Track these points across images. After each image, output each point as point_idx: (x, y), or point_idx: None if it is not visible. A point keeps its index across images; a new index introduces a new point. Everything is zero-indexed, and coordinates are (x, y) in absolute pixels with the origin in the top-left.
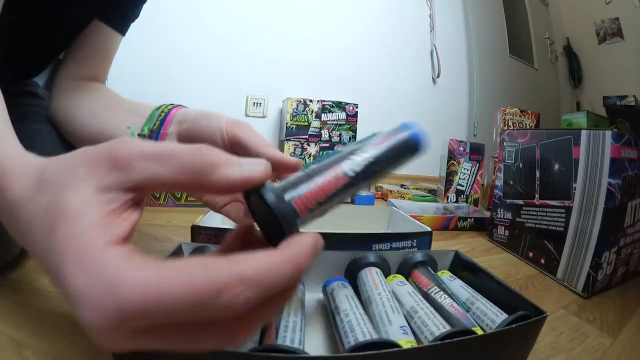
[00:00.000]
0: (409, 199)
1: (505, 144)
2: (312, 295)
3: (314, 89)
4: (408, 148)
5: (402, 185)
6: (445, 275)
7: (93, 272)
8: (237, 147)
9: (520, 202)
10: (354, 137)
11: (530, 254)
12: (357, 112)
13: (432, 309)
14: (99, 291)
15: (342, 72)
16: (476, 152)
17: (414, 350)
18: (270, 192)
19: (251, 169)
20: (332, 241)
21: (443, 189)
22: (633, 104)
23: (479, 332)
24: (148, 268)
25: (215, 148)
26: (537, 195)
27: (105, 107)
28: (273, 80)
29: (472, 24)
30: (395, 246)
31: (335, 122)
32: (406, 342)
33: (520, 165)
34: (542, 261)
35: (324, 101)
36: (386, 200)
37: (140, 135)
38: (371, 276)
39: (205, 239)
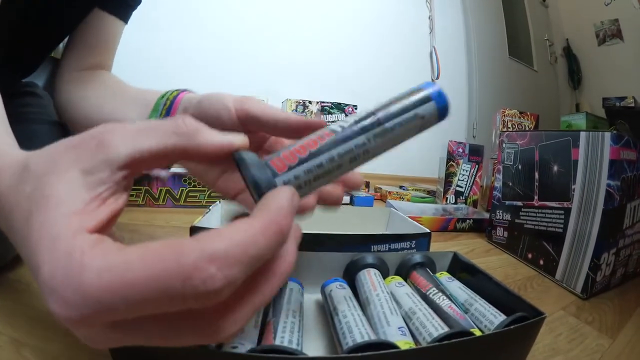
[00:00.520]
0: (407, 200)
1: (504, 145)
2: (311, 296)
3: (313, 90)
4: (423, 100)
5: (401, 187)
6: (443, 277)
7: (60, 258)
8: (250, 124)
9: (519, 203)
10: None
11: (529, 255)
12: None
13: (430, 310)
14: (62, 278)
15: (342, 74)
16: (475, 153)
17: (412, 352)
18: (245, 154)
19: (232, 136)
20: (331, 242)
21: (442, 190)
22: (632, 105)
23: (478, 333)
24: (113, 254)
25: (194, 119)
26: (536, 197)
27: (109, 97)
28: (272, 81)
29: (472, 26)
30: (394, 247)
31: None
32: (404, 343)
33: (520, 166)
34: (541, 262)
35: (323, 102)
36: (385, 202)
37: None
38: (369, 277)
39: None
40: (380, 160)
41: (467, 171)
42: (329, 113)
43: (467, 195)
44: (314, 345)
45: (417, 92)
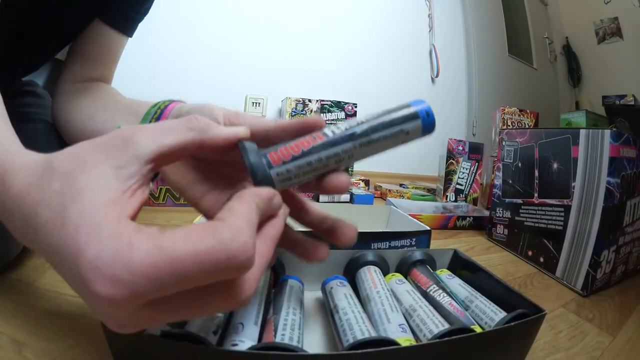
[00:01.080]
0: (408, 198)
1: (504, 143)
2: (311, 293)
3: (312, 88)
4: (408, 117)
5: (401, 185)
6: (444, 274)
7: (107, 241)
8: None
9: (519, 201)
10: None
11: (530, 253)
12: (356, 112)
13: (430, 307)
14: (110, 258)
15: (341, 72)
16: (475, 151)
17: (413, 348)
18: (247, 144)
19: (237, 128)
20: None
21: (442, 188)
22: (632, 103)
23: (478, 330)
24: (158, 236)
25: (204, 117)
26: (536, 194)
27: (102, 108)
28: (272, 80)
29: (471, 24)
30: (394, 245)
31: (335, 122)
32: (405, 340)
33: (519, 164)
34: (541, 260)
35: (323, 101)
36: (385, 200)
37: None
38: (370, 275)
39: None
40: (380, 159)
41: (467, 169)
42: (329, 111)
43: (467, 193)
44: (314, 342)
45: (406, 108)
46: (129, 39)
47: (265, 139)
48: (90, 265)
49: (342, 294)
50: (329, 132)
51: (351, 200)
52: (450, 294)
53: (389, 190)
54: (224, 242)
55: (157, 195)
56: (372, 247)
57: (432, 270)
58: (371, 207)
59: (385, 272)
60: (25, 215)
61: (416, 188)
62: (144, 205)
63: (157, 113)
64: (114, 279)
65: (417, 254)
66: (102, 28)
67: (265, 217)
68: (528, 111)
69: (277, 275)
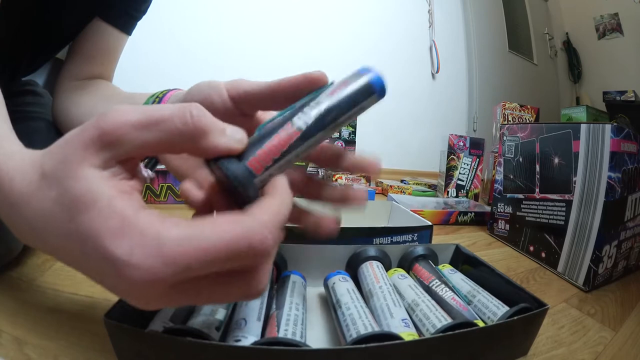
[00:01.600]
0: (409, 194)
1: (505, 138)
2: (314, 289)
3: None
4: (367, 93)
5: (402, 181)
6: (446, 269)
7: (134, 237)
8: (244, 105)
9: (521, 196)
10: (354, 132)
11: (531, 248)
12: None
13: (433, 302)
14: (144, 253)
15: (341, 68)
16: (476, 146)
17: (416, 343)
18: (226, 158)
19: (233, 138)
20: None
21: (443, 184)
22: (632, 99)
23: (481, 324)
24: (184, 225)
25: (202, 109)
26: (537, 189)
27: (100, 101)
28: (271, 77)
29: (471, 20)
30: (396, 240)
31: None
32: (408, 334)
33: (520, 159)
34: (543, 255)
35: None
36: (386, 196)
37: None
38: (372, 270)
39: None
40: (381, 155)
41: (468, 164)
42: None
43: (468, 188)
44: (317, 337)
45: (362, 81)
46: (129, 37)
47: (271, 102)
48: (123, 263)
49: (345, 289)
50: (302, 123)
51: None
52: (452, 289)
53: (390, 186)
54: (247, 232)
55: (158, 193)
56: (374, 243)
57: (434, 265)
58: (373, 203)
59: (387, 267)
60: (28, 221)
61: (417, 184)
62: (146, 203)
63: (156, 101)
64: (150, 270)
65: (419, 249)
66: (101, 26)
67: None
68: (529, 106)
69: (279, 271)
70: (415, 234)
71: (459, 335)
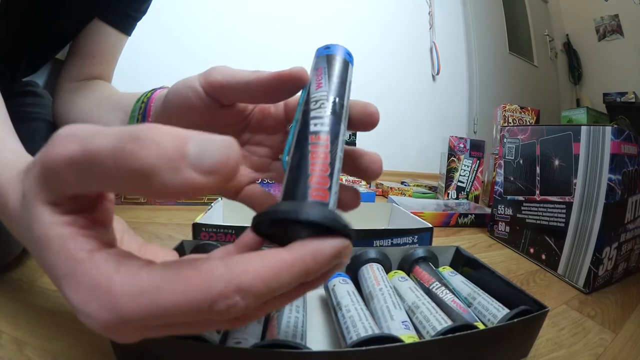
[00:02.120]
0: (409, 196)
1: (505, 140)
2: (314, 291)
3: None
4: (347, 68)
5: (402, 182)
6: (446, 271)
7: (86, 288)
8: (221, 97)
9: (521, 198)
10: (354, 134)
11: (531, 250)
12: None
13: (433, 304)
14: (97, 307)
15: None
16: (476, 148)
17: (416, 345)
18: (282, 208)
19: (200, 167)
20: None
21: (444, 185)
22: (633, 100)
23: (481, 326)
24: (141, 276)
25: (153, 128)
26: (537, 191)
27: (96, 105)
28: None
29: (472, 21)
30: (396, 242)
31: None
32: (408, 337)
33: (521, 161)
34: (543, 257)
35: None
36: (387, 198)
37: None
38: (372, 272)
39: (206, 237)
40: (381, 156)
41: (468, 166)
42: None
43: (468, 190)
44: (317, 340)
45: (338, 62)
46: (128, 38)
47: (247, 96)
48: (76, 310)
49: (345, 291)
50: (321, 127)
51: None
52: (452, 291)
53: (391, 188)
54: (210, 294)
55: None
56: (374, 245)
57: (434, 268)
58: (373, 205)
59: (387, 270)
60: (23, 237)
61: (417, 186)
62: (146, 203)
63: (142, 108)
64: (105, 323)
65: (420, 251)
66: (101, 27)
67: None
68: (529, 108)
69: None
70: (416, 236)
71: (459, 337)
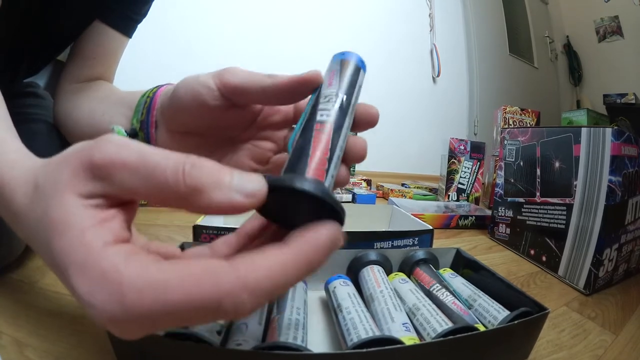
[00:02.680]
0: (410, 197)
1: (505, 142)
2: (314, 293)
3: None
4: (358, 73)
5: (402, 184)
6: (447, 273)
7: (95, 278)
8: (235, 97)
9: (521, 200)
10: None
11: (532, 252)
12: None
13: (434, 306)
14: (104, 298)
15: None
16: (477, 150)
17: (417, 347)
18: (286, 179)
19: (240, 191)
20: None
21: (444, 187)
22: (633, 101)
23: (482, 328)
24: (151, 270)
25: (205, 161)
26: (538, 193)
27: (99, 102)
28: None
29: (472, 23)
30: (397, 244)
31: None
32: (408, 339)
33: (521, 163)
34: (544, 259)
35: None
36: (387, 199)
37: (131, 130)
38: (373, 274)
39: (207, 239)
40: (381, 158)
41: (468, 168)
42: None
43: (469, 192)
44: (318, 341)
45: (351, 66)
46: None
47: (262, 99)
48: (83, 302)
49: (346, 293)
50: (327, 118)
51: (353, 200)
52: (453, 293)
53: (391, 190)
54: (219, 293)
55: None
56: (375, 247)
57: (435, 269)
58: (373, 207)
59: (388, 272)
60: (29, 231)
61: (418, 188)
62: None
63: (147, 103)
64: (111, 315)
65: (420, 253)
66: (102, 28)
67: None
68: (529, 110)
69: None
70: (416, 238)
71: (459, 339)
